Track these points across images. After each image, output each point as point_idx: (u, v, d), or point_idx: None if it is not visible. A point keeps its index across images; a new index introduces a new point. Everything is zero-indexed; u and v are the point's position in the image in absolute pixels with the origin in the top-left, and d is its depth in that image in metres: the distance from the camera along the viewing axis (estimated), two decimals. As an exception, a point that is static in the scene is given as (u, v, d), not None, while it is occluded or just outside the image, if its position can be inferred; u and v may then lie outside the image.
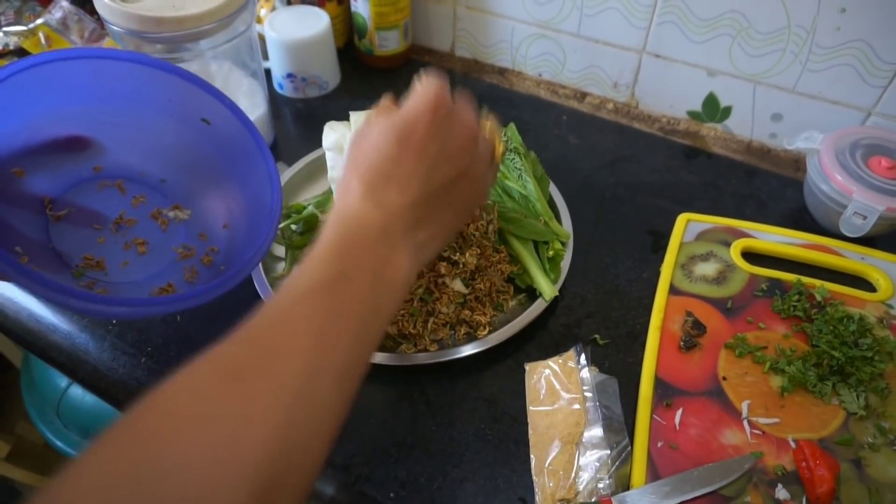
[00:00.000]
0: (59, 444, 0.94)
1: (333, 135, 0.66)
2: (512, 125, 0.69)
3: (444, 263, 0.57)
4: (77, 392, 0.93)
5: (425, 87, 0.41)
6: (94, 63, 0.49)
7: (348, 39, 0.94)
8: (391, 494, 0.49)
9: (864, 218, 0.61)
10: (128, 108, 0.52)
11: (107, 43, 0.82)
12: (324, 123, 0.69)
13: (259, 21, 0.84)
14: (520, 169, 0.64)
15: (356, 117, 0.66)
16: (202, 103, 0.53)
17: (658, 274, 0.64)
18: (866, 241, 0.65)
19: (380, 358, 0.55)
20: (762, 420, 0.52)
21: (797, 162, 0.78)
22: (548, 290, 0.58)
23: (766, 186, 0.74)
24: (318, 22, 0.82)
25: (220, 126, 0.54)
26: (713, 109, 0.79)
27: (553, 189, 0.68)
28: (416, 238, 0.40)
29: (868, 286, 0.63)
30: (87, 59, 0.48)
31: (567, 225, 0.65)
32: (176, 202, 0.57)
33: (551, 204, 0.67)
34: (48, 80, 0.47)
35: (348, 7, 0.89)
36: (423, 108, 0.40)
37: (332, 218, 0.40)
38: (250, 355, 0.32)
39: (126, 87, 0.51)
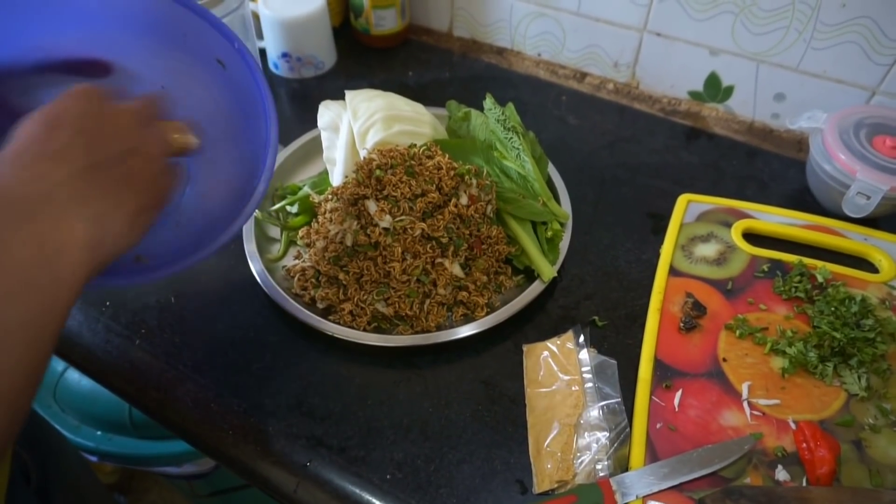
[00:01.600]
0: (56, 427, 0.94)
1: (329, 114, 0.65)
2: (510, 105, 0.68)
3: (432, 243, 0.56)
4: (74, 375, 0.92)
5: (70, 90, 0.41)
6: None
7: (344, 18, 0.92)
8: (388, 476, 0.49)
9: (868, 198, 0.60)
10: (144, 37, 0.50)
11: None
12: (319, 104, 0.68)
13: (253, -1, 0.83)
14: (518, 149, 0.63)
15: (352, 96, 0.65)
16: (214, 43, 0.50)
17: (658, 255, 0.63)
18: (868, 221, 0.64)
19: (376, 339, 0.55)
20: (762, 401, 0.51)
21: (799, 143, 0.76)
22: (546, 271, 0.58)
23: (768, 167, 0.73)
24: (313, 0, 0.80)
25: (231, 69, 0.52)
26: (715, 89, 0.78)
27: (552, 169, 0.67)
28: (92, 207, 0.38)
29: (870, 267, 0.62)
30: None
31: (566, 206, 0.64)
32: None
33: (550, 184, 0.66)
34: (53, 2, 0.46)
35: (344, -15, 0.88)
36: (72, 93, 0.40)
37: None
38: None
39: (138, 13, 0.49)
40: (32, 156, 0.37)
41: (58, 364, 0.94)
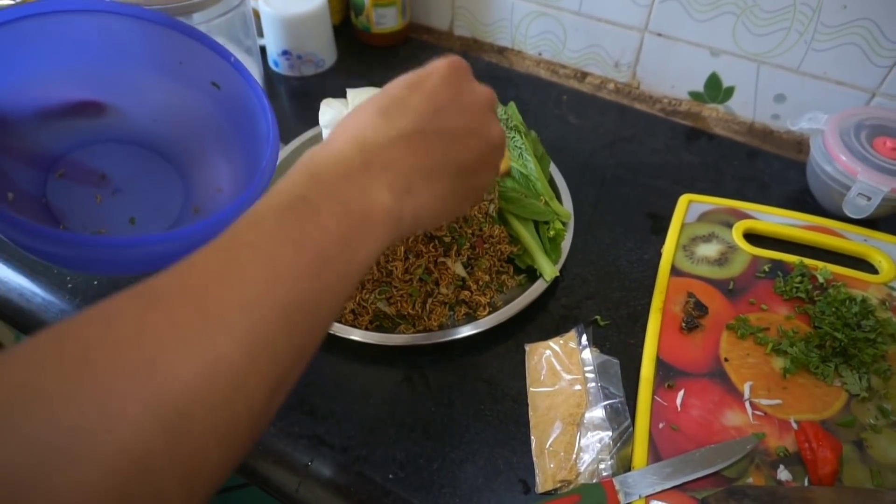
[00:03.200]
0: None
1: (330, 112, 0.65)
2: (512, 104, 0.68)
3: (435, 242, 0.56)
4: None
5: (443, 57, 0.41)
6: (101, 18, 0.48)
7: (344, 16, 0.92)
8: (390, 476, 0.48)
9: (869, 199, 0.60)
10: (138, 70, 0.51)
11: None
12: (320, 102, 0.68)
13: (253, -4, 0.82)
14: (520, 148, 0.63)
15: (353, 94, 0.65)
16: (212, 65, 0.51)
17: (659, 255, 0.63)
18: (869, 223, 0.64)
19: (378, 338, 0.54)
20: (764, 401, 0.51)
21: (799, 144, 0.77)
22: (548, 270, 0.58)
23: (769, 168, 0.74)
24: (313, -2, 0.80)
25: (228, 89, 0.53)
26: (715, 90, 0.78)
27: (553, 169, 0.67)
28: (407, 178, 0.36)
29: (870, 268, 0.62)
30: (93, 14, 0.47)
31: (567, 205, 0.64)
32: (180, 168, 0.56)
33: (552, 184, 0.66)
34: (52, 33, 0.46)
35: (345, -17, 0.87)
36: (440, 63, 0.40)
37: (308, 152, 0.36)
38: (178, 283, 0.27)
39: (135, 47, 0.50)
40: (378, 109, 0.37)
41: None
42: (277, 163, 0.63)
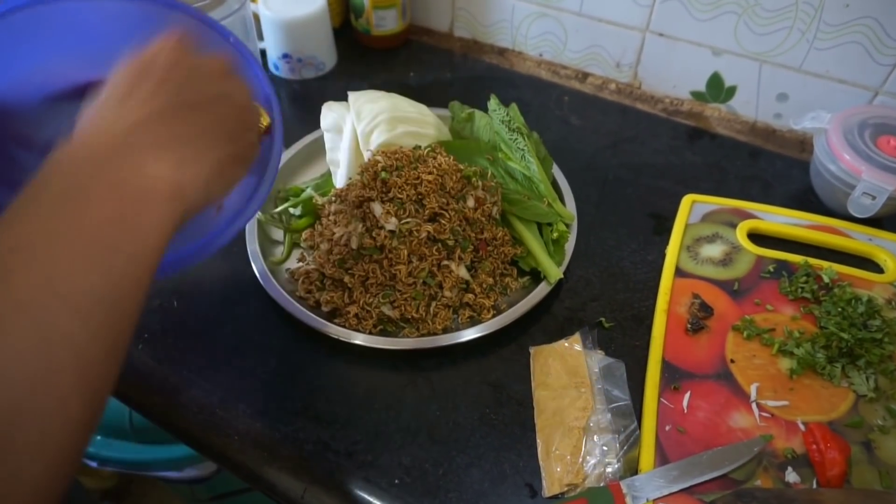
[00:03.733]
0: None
1: (332, 115, 0.65)
2: (514, 105, 0.68)
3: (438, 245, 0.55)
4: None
5: (162, 37, 0.40)
6: (95, 2, 0.47)
7: (344, 19, 0.92)
8: (396, 481, 0.48)
9: (873, 198, 0.60)
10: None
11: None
12: (320, 105, 0.68)
13: (253, 0, 0.82)
14: (523, 150, 0.62)
15: (355, 98, 0.65)
16: (208, 42, 0.49)
17: (663, 256, 0.63)
18: (873, 222, 0.64)
19: (382, 342, 0.54)
20: (771, 403, 0.51)
21: (802, 143, 0.76)
22: (552, 272, 0.57)
23: (771, 167, 0.73)
24: (313, 0, 0.80)
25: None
26: (717, 90, 0.78)
27: (556, 171, 0.67)
28: (176, 152, 0.36)
29: (875, 267, 0.62)
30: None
31: (570, 207, 0.64)
32: None
33: (554, 185, 0.66)
34: (47, 21, 0.45)
35: (344, -15, 0.87)
36: (161, 44, 0.39)
37: (58, 147, 0.34)
38: None
39: (137, 27, 0.48)
40: (116, 100, 0.36)
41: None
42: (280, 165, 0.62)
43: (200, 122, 0.37)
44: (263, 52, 0.84)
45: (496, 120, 0.64)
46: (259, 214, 0.62)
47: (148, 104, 0.36)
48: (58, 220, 0.29)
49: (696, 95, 0.80)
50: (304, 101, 0.83)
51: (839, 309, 0.56)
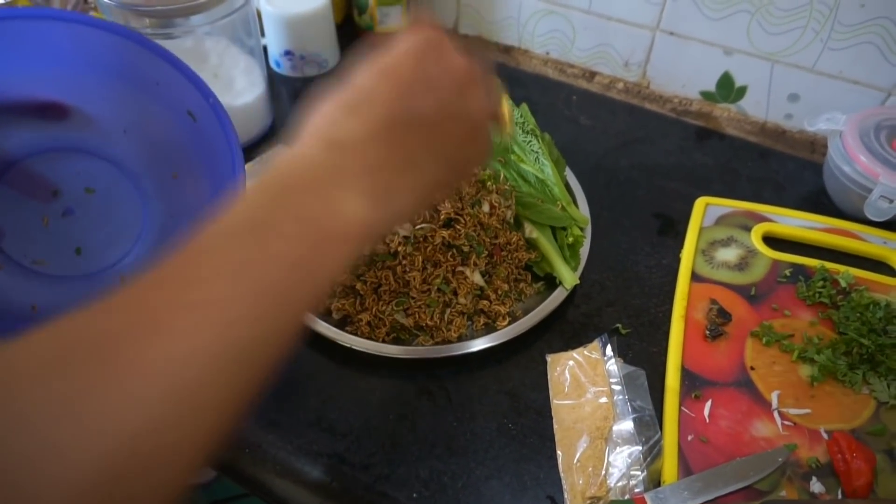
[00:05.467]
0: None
1: (340, 116, 0.63)
2: (524, 105, 0.66)
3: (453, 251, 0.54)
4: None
5: (418, 23, 0.36)
6: (72, 28, 0.44)
7: (346, 15, 0.90)
8: (414, 494, 0.47)
9: (891, 201, 0.59)
10: (111, 79, 0.47)
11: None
12: (327, 104, 0.66)
13: (254, -5, 0.80)
14: (537, 152, 0.61)
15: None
16: (190, 95, 0.47)
17: (678, 260, 0.62)
18: (887, 224, 0.63)
19: (396, 351, 0.53)
20: (793, 411, 0.50)
21: (812, 144, 0.76)
22: (568, 278, 0.56)
23: (783, 169, 0.73)
24: (316, -4, 0.78)
25: (203, 123, 0.48)
26: (727, 89, 0.77)
27: (568, 173, 0.66)
28: (382, 179, 0.32)
29: (890, 271, 0.61)
30: (62, 22, 0.44)
31: (584, 209, 0.63)
32: (142, 193, 0.52)
33: (567, 188, 0.64)
34: (15, 35, 0.43)
35: (347, -19, 0.85)
36: (409, 39, 0.35)
37: (275, 160, 0.32)
38: (119, 325, 0.24)
39: (110, 58, 0.46)
40: (344, 109, 0.32)
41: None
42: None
43: (421, 141, 0.34)
44: (265, 49, 0.82)
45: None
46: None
47: (373, 115, 0.32)
48: (244, 255, 0.27)
49: (706, 95, 0.79)
50: (306, 100, 0.80)
51: (857, 314, 0.55)
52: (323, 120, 0.33)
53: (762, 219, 0.65)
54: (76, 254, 0.51)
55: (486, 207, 0.56)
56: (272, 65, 0.83)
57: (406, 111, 0.33)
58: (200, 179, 0.50)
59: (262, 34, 0.80)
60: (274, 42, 0.80)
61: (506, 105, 0.41)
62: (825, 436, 0.49)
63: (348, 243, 0.30)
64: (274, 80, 0.82)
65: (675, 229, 0.65)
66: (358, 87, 0.33)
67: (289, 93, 0.82)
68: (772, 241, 0.63)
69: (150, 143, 0.51)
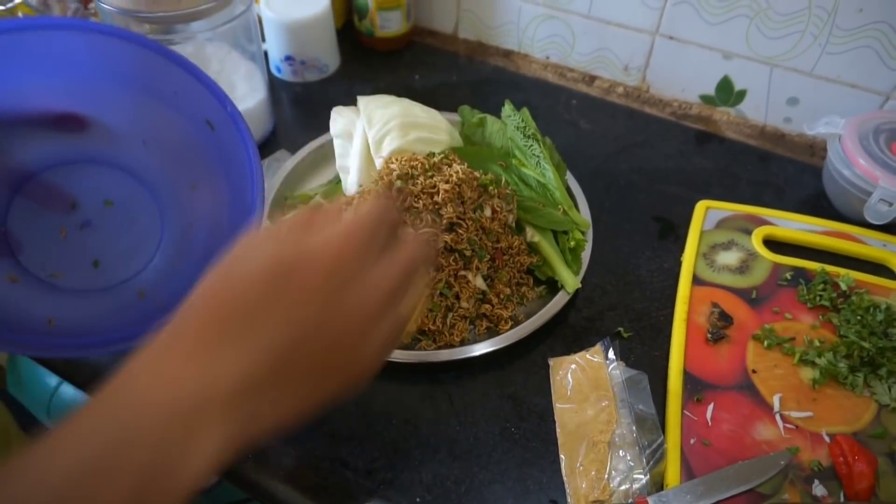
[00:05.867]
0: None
1: (341, 121, 0.64)
2: (525, 110, 0.66)
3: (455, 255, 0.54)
4: (69, 391, 0.89)
5: (362, 210, 0.31)
6: (89, 36, 0.44)
7: (347, 20, 0.90)
8: (417, 499, 0.47)
9: (891, 205, 0.60)
10: (129, 90, 0.47)
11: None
12: (324, 109, 0.66)
13: (256, 1, 0.80)
14: (538, 156, 0.61)
15: (365, 103, 0.63)
16: (208, 104, 0.47)
17: (679, 263, 0.62)
18: (887, 227, 0.64)
19: (399, 355, 0.53)
20: (794, 414, 0.50)
21: (812, 147, 0.76)
22: (570, 282, 0.56)
23: (783, 172, 0.73)
24: (317, 1, 0.78)
25: (221, 132, 0.48)
26: (727, 93, 0.78)
27: (569, 177, 0.66)
28: (250, 408, 0.28)
29: (890, 274, 0.61)
30: (79, 31, 0.44)
31: (585, 213, 0.63)
32: (162, 205, 0.52)
33: (568, 192, 0.64)
34: (33, 46, 0.43)
35: (347, -14, 0.86)
36: (330, 236, 0.30)
37: (109, 383, 0.27)
38: None
39: (128, 68, 0.46)
40: (214, 329, 0.28)
41: (51, 379, 0.90)
42: (272, 197, 0.60)
43: (309, 367, 0.29)
44: (266, 55, 0.82)
45: (511, 126, 0.63)
46: (267, 223, 0.60)
47: (247, 352, 0.28)
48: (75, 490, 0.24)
49: (706, 99, 0.80)
50: (306, 105, 0.81)
51: (858, 317, 0.56)
52: (182, 347, 0.28)
53: (763, 222, 0.65)
54: (94, 266, 0.51)
55: (487, 212, 0.56)
56: (273, 70, 0.83)
57: (297, 353, 0.29)
58: (219, 189, 0.50)
59: (263, 40, 0.81)
60: (275, 47, 0.80)
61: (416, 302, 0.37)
62: (827, 439, 0.49)
63: (184, 495, 0.26)
64: (275, 86, 0.82)
65: (675, 233, 0.66)
66: (241, 297, 0.29)
67: (290, 98, 0.82)
68: (772, 244, 0.64)
69: (169, 154, 0.51)
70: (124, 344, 0.43)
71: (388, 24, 0.84)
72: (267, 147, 0.73)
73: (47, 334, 0.44)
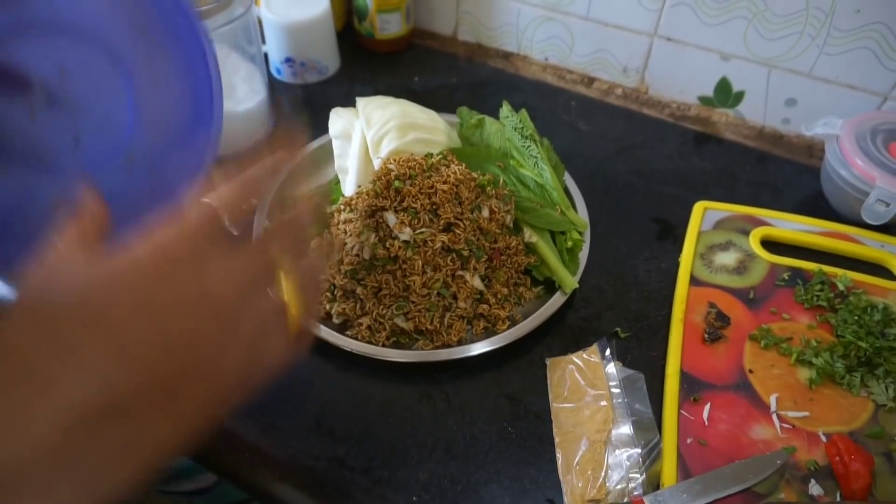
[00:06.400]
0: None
1: (340, 122, 0.64)
2: (524, 111, 0.67)
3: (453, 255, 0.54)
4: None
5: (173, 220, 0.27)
6: None
7: (346, 22, 0.91)
8: (413, 498, 0.47)
9: (888, 205, 0.60)
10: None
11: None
12: (324, 110, 0.67)
13: (256, 3, 0.80)
14: (535, 157, 0.61)
15: (364, 104, 0.64)
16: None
17: (677, 264, 0.62)
18: (884, 228, 0.64)
19: (396, 355, 0.53)
20: (791, 414, 0.50)
21: (810, 148, 0.76)
22: (568, 282, 0.57)
23: (781, 173, 0.73)
24: (317, 3, 0.79)
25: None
26: (725, 95, 0.78)
27: (567, 178, 0.66)
28: (94, 461, 0.24)
29: (888, 274, 0.62)
30: None
31: (583, 214, 0.63)
32: (123, 64, 0.45)
33: (566, 193, 0.65)
34: None
35: (347, -12, 0.86)
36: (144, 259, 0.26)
37: None
38: None
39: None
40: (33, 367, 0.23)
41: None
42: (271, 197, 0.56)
43: (163, 399, 0.25)
44: (265, 57, 0.83)
45: (509, 127, 0.63)
46: (265, 223, 0.60)
47: (92, 388, 0.23)
48: None
49: (704, 100, 0.80)
50: (307, 106, 0.81)
51: (855, 317, 0.56)
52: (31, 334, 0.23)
53: (760, 223, 0.65)
54: (76, 144, 0.46)
55: (485, 212, 0.56)
56: (273, 72, 0.83)
57: (154, 371, 0.25)
58: (172, 38, 0.45)
59: (263, 41, 0.81)
60: (275, 49, 0.80)
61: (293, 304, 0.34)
62: (823, 438, 0.49)
63: None
64: (275, 87, 0.83)
65: (673, 234, 0.66)
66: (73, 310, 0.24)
67: (289, 99, 0.82)
68: (770, 244, 0.64)
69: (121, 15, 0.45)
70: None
71: (388, 25, 0.84)
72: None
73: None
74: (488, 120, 0.66)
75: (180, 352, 0.26)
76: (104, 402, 0.23)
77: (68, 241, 0.28)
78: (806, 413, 0.50)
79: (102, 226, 0.31)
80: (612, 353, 0.53)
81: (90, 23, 0.45)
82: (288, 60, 0.81)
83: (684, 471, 0.47)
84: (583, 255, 0.60)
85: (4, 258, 0.41)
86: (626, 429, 0.49)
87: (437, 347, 0.54)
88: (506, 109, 0.64)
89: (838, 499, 0.46)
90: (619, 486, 0.46)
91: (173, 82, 0.46)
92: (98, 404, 0.23)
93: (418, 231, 0.53)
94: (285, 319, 0.32)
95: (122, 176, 0.46)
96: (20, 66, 0.44)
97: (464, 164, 0.59)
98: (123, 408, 0.24)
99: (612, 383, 0.52)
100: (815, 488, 0.46)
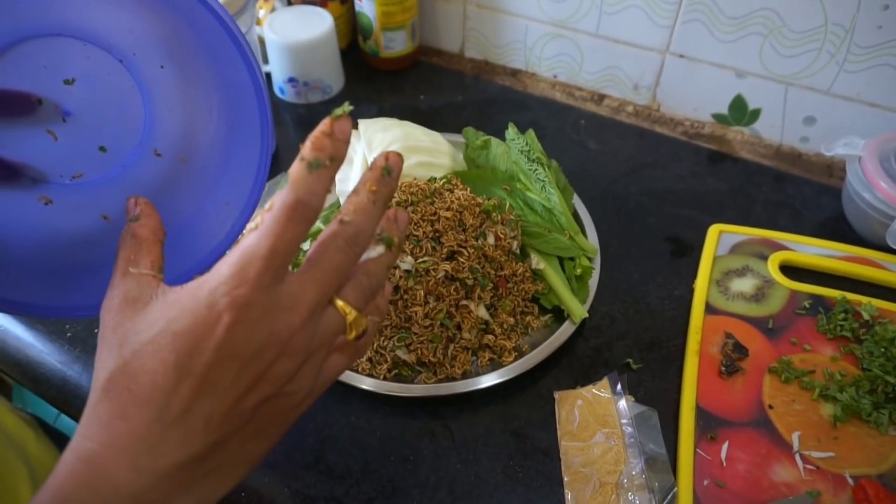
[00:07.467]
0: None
1: (342, 145, 0.62)
2: (531, 132, 0.65)
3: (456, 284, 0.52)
4: (68, 422, 0.88)
5: (232, 264, 0.27)
6: None
7: (351, 40, 0.89)
8: (415, 542, 0.45)
9: (914, 230, 0.57)
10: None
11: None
12: (330, 132, 0.65)
13: (258, 23, 0.80)
14: (543, 180, 0.59)
15: (366, 126, 0.62)
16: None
17: (691, 291, 0.60)
18: (910, 252, 0.61)
19: (397, 389, 0.51)
20: (815, 454, 0.48)
21: (830, 167, 0.73)
22: (577, 311, 0.54)
23: (799, 194, 0.70)
24: (320, 23, 0.77)
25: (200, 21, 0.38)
26: (741, 112, 0.75)
27: (577, 201, 0.64)
28: (193, 495, 0.29)
29: (915, 302, 0.59)
30: None
31: (592, 239, 0.61)
32: (127, 58, 0.42)
33: (575, 216, 0.62)
34: None
35: (352, 6, 0.85)
36: (214, 311, 0.27)
37: (60, 472, 0.27)
38: None
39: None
40: (149, 426, 0.27)
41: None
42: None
43: (240, 438, 0.30)
44: (268, 76, 0.82)
45: (515, 150, 0.61)
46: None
47: (181, 447, 0.27)
48: None
49: (718, 118, 0.77)
50: (310, 126, 0.79)
51: (882, 349, 0.53)
52: (122, 430, 0.27)
53: (779, 247, 0.62)
54: (102, 152, 0.44)
55: (490, 239, 0.54)
56: (275, 91, 0.82)
57: (227, 427, 0.28)
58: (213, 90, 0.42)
59: (266, 61, 0.80)
60: (277, 69, 0.79)
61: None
62: (850, 481, 0.46)
63: None
64: (278, 107, 0.82)
65: (687, 258, 0.63)
66: (157, 388, 0.27)
67: (293, 119, 0.81)
68: (789, 270, 0.61)
69: (152, 35, 0.41)
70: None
71: (393, 44, 0.83)
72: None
73: (107, 228, 0.41)
74: (494, 141, 0.64)
75: (257, 393, 0.29)
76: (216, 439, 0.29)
77: (136, 264, 0.32)
78: (831, 453, 0.48)
79: (159, 236, 0.34)
80: (623, 387, 0.51)
81: (78, 21, 0.41)
82: (291, 80, 0.79)
83: (701, 516, 0.45)
84: (593, 282, 0.57)
85: (70, 293, 0.39)
86: (638, 470, 0.46)
87: (440, 380, 0.52)
88: (511, 132, 0.62)
89: (867, 548, 0.43)
90: (631, 533, 0.44)
91: (201, 71, 0.42)
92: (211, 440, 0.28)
93: (420, 260, 0.51)
94: (345, 333, 0.33)
95: (157, 169, 0.44)
96: (20, 86, 0.41)
97: (468, 188, 0.57)
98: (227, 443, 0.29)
99: (623, 420, 0.49)
100: (842, 536, 0.43)
